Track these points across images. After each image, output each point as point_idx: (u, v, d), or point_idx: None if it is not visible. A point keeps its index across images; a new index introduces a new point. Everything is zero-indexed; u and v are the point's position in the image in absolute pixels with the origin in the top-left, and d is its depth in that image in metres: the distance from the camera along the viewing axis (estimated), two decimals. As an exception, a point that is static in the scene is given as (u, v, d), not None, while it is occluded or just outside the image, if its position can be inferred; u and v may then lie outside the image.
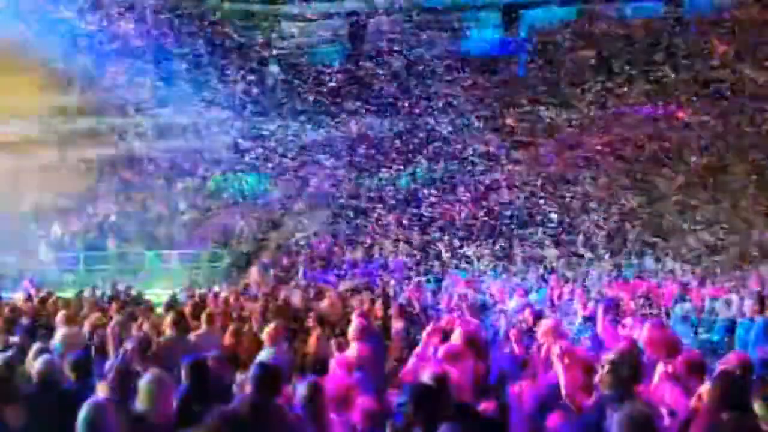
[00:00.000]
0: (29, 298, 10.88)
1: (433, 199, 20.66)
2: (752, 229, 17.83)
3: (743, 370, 4.00)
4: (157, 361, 4.89)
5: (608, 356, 3.80)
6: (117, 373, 4.76)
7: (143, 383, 3.69)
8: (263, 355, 5.69)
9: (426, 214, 20.14)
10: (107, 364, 5.38)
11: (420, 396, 3.28)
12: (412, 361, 5.38)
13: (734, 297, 9.11)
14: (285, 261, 18.14)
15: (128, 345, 5.59)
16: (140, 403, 3.62)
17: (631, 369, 3.74)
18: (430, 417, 3.17)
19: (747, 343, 6.83)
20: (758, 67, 18.80)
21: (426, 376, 3.83)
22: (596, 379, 3.78)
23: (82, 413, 3.25)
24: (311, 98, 21.86)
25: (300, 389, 3.66)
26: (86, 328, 7.17)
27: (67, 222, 19.88)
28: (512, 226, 18.79)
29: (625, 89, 20.49)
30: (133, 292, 12.32)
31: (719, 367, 4.11)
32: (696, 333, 7.93)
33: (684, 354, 4.38)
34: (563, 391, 4.14)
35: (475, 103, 21.11)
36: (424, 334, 5.73)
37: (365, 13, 23.00)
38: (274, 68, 22.09)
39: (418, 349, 5.64)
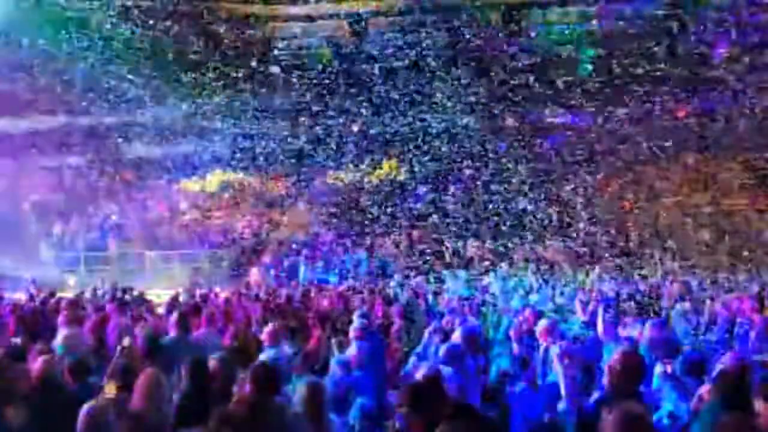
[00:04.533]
0: (31, 298, 10.88)
1: (433, 199, 20.70)
2: (750, 228, 17.87)
3: (743, 371, 4.00)
4: (158, 362, 4.89)
5: (614, 356, 3.79)
6: (118, 370, 4.78)
7: (140, 382, 3.69)
8: (264, 355, 5.70)
9: (427, 213, 20.18)
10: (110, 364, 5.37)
11: (417, 396, 3.29)
12: (412, 361, 5.39)
13: (734, 297, 9.12)
14: (285, 261, 18.17)
15: (125, 342, 5.61)
16: (137, 402, 3.63)
17: (635, 369, 3.75)
18: (428, 417, 3.18)
19: (747, 342, 6.82)
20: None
21: (423, 376, 3.85)
22: (604, 379, 3.78)
23: (82, 414, 3.27)
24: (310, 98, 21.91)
25: (300, 389, 3.67)
26: (87, 328, 7.17)
27: (68, 222, 19.91)
28: (513, 226, 18.81)
29: (624, 88, 20.50)
30: (135, 293, 12.31)
31: (718, 367, 4.12)
32: (696, 333, 7.93)
33: (683, 355, 4.38)
34: (563, 391, 4.14)
35: (475, 102, 21.14)
36: (425, 333, 5.74)
37: (366, 13, 23.00)
38: (275, 69, 22.08)
39: (418, 349, 5.66)
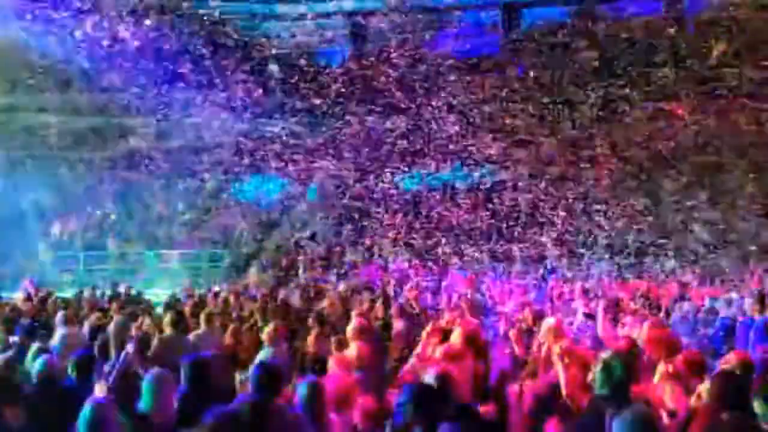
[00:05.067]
0: (29, 297, 10.86)
1: (434, 200, 20.65)
2: (751, 228, 17.85)
3: (743, 370, 3.99)
4: (156, 361, 4.88)
5: (601, 355, 3.77)
6: (118, 374, 4.77)
7: (145, 383, 3.68)
8: (263, 355, 5.69)
9: (427, 214, 20.14)
10: (107, 365, 5.37)
11: (420, 396, 3.28)
12: (412, 361, 5.37)
13: (734, 296, 9.11)
14: (285, 261, 18.15)
15: (129, 347, 5.61)
16: (142, 403, 3.62)
17: (624, 368, 3.72)
18: (430, 417, 3.17)
19: (747, 342, 6.82)
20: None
21: (427, 376, 3.83)
22: (588, 377, 3.75)
23: (83, 413, 3.26)
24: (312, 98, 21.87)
25: (300, 389, 3.65)
26: (86, 328, 7.17)
27: (66, 222, 19.88)
28: (513, 227, 18.80)
29: (626, 89, 20.49)
30: (133, 292, 12.31)
31: (719, 366, 4.11)
32: (696, 332, 7.92)
33: (684, 353, 4.37)
34: (563, 391, 4.12)
35: (476, 103, 21.09)
36: (424, 334, 5.72)
37: (366, 12, 23.00)
38: (274, 68, 22.05)
39: (418, 349, 5.63)
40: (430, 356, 5.27)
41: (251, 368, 3.86)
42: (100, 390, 4.19)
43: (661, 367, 4.35)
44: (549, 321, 5.53)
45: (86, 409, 3.26)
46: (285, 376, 3.82)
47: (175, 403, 3.75)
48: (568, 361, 4.11)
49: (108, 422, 3.24)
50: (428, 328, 5.74)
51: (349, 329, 5.86)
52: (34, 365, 4.74)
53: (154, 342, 5.82)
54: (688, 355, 4.31)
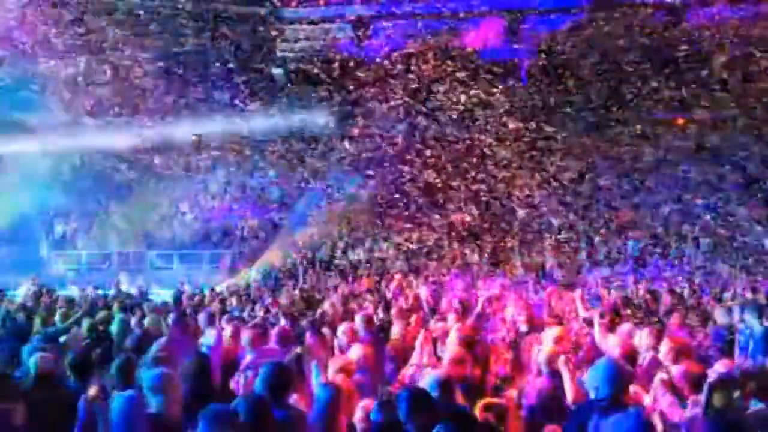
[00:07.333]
0: (37, 296, 10.91)
1: (434, 202, 20.66)
2: (749, 236, 17.88)
3: (732, 380, 4.01)
4: (158, 361, 4.90)
5: (599, 360, 3.80)
6: (118, 370, 4.81)
7: (154, 383, 3.69)
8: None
9: (427, 216, 20.16)
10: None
11: (416, 400, 3.31)
12: (409, 366, 5.40)
13: (734, 304, 9.10)
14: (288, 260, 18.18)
15: (128, 343, 5.64)
16: (151, 401, 3.64)
17: (621, 373, 3.75)
18: (427, 420, 3.20)
19: (746, 351, 6.83)
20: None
21: (426, 380, 3.87)
22: (589, 385, 3.77)
23: (115, 406, 3.31)
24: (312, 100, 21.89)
25: (320, 392, 3.69)
26: (86, 327, 7.20)
27: (68, 221, 19.91)
28: (512, 231, 18.83)
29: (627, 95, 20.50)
30: (134, 292, 12.35)
31: (710, 375, 4.12)
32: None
33: (683, 365, 4.38)
34: (569, 397, 4.15)
35: (479, 109, 21.10)
36: (419, 338, 5.75)
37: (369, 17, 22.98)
38: (278, 71, 22.06)
39: (414, 355, 5.65)
40: (423, 362, 5.29)
41: (261, 368, 3.86)
42: (92, 389, 4.21)
43: (659, 376, 4.38)
44: (552, 329, 5.58)
45: (118, 403, 3.32)
46: (294, 377, 3.84)
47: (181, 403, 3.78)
48: (572, 367, 4.14)
49: (138, 418, 3.29)
50: (422, 333, 5.76)
51: (350, 330, 5.90)
52: (34, 364, 4.77)
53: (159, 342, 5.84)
54: (687, 368, 4.32)
